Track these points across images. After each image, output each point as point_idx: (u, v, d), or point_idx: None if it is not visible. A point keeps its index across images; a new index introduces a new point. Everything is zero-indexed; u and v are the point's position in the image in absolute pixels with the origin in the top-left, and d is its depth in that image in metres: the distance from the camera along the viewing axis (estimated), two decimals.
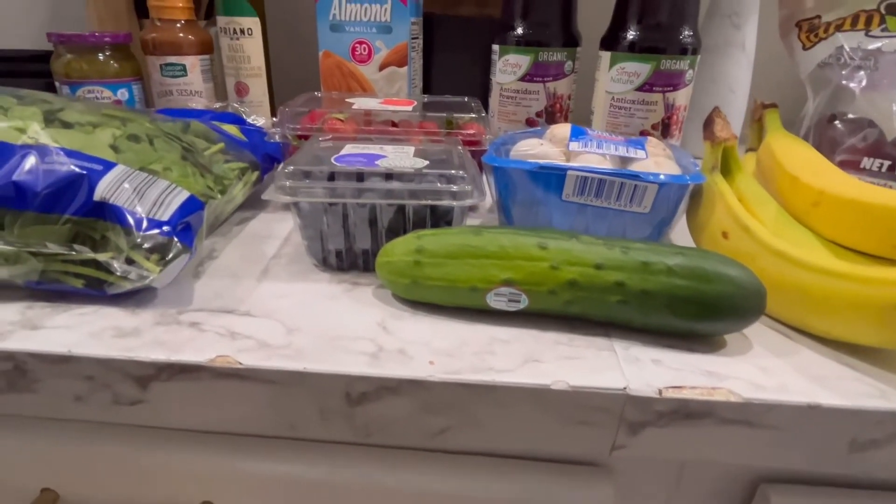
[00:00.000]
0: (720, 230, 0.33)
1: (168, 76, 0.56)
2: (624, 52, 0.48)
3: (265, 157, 0.46)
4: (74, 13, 0.80)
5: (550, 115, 0.54)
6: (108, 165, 0.30)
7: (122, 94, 0.56)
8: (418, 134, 0.43)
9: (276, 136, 0.42)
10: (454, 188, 0.32)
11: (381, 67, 0.58)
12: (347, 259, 0.35)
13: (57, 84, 0.55)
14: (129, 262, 0.29)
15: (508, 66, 0.52)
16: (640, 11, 0.48)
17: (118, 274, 0.29)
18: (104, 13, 0.70)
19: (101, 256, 0.29)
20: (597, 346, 0.28)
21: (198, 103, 0.58)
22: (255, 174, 0.43)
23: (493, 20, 0.67)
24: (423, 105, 0.50)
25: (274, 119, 0.58)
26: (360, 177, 0.33)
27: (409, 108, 0.47)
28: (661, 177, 0.33)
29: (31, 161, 0.29)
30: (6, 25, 0.84)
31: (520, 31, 0.52)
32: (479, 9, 0.69)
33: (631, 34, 0.48)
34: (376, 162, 0.35)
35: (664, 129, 0.50)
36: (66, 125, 0.33)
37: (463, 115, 0.44)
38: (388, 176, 0.33)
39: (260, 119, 0.55)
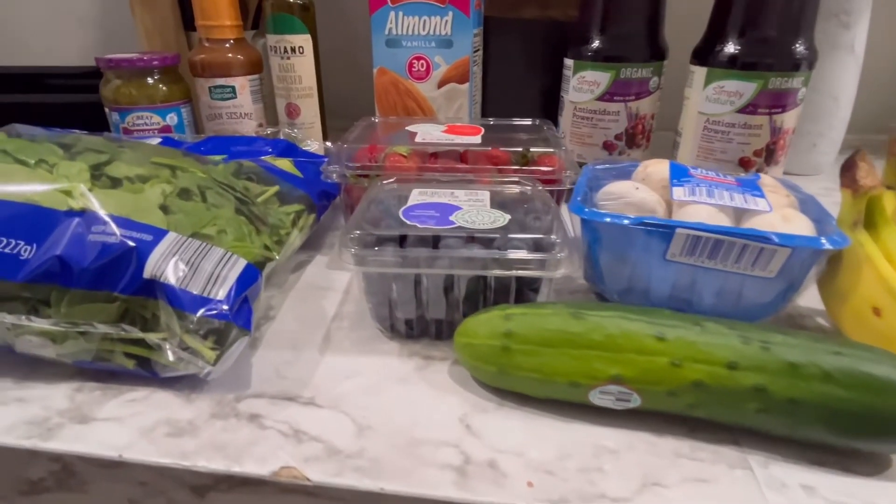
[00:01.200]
0: (869, 305, 0.28)
1: (217, 99, 0.54)
2: (723, 69, 0.42)
3: (321, 194, 0.42)
4: (123, 28, 0.78)
5: (631, 138, 0.48)
6: (159, 234, 0.27)
7: (172, 118, 0.54)
8: (489, 171, 0.39)
9: (334, 176, 0.38)
10: (545, 257, 0.27)
11: (441, 84, 0.53)
12: (418, 327, 0.31)
13: (107, 110, 0.53)
14: (183, 346, 0.26)
15: (584, 84, 0.47)
16: (743, 21, 0.41)
17: (171, 360, 0.26)
18: (151, 27, 0.68)
19: (153, 337, 0.26)
20: (728, 461, 0.23)
21: (247, 126, 0.55)
22: (312, 217, 0.40)
23: (558, 23, 0.62)
24: (489, 129, 0.45)
25: (327, 144, 0.54)
26: (436, 239, 0.29)
27: (477, 138, 0.42)
28: (797, 240, 0.28)
29: (77, 231, 0.27)
30: (57, 41, 0.83)
31: (598, 44, 0.46)
32: (542, 10, 0.63)
33: (732, 47, 0.42)
34: (451, 218, 0.30)
35: (768, 155, 0.43)
36: (115, 181, 0.31)
37: (538, 149, 0.39)
38: (469, 238, 0.29)
39: (313, 144, 0.52)
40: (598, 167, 0.39)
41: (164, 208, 0.30)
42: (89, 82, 0.70)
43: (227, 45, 0.53)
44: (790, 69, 0.41)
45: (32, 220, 0.27)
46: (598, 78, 0.46)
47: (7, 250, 0.26)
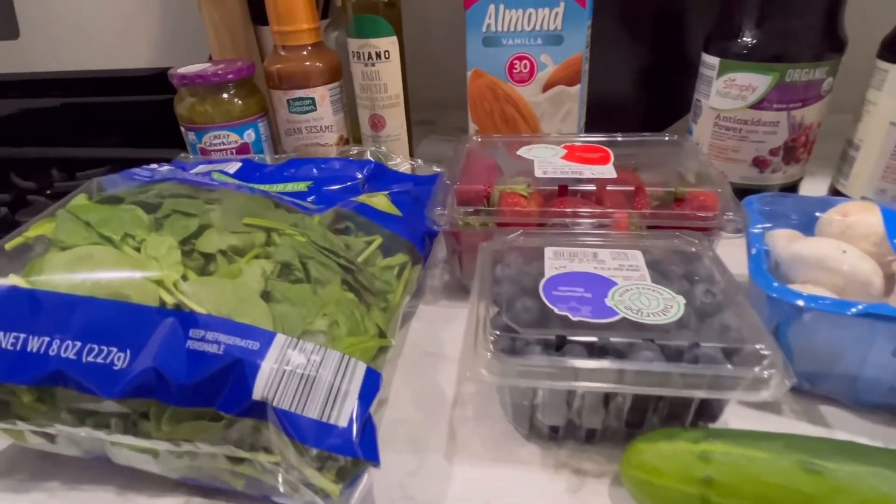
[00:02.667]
0: None
1: (296, 112, 0.49)
2: None
3: (425, 236, 0.36)
4: (190, 24, 0.74)
5: (790, 152, 0.39)
6: (266, 339, 0.23)
7: (249, 135, 0.49)
8: (626, 216, 0.32)
9: (443, 222, 0.33)
10: (747, 375, 0.21)
11: (546, 88, 0.46)
12: (564, 430, 0.26)
13: (182, 129, 0.50)
14: (301, 478, 0.22)
15: (734, 88, 0.38)
16: None
17: (286, 491, 0.22)
18: (219, 23, 0.63)
19: (264, 460, 0.22)
20: None
21: (328, 139, 0.50)
22: (417, 268, 0.35)
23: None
24: (616, 149, 0.37)
25: (417, 162, 0.48)
26: (598, 340, 0.23)
27: (608, 167, 0.35)
28: None
29: (173, 336, 0.23)
30: (121, 38, 0.80)
31: (755, 38, 0.37)
32: None
33: None
34: (608, 302, 0.24)
35: None
36: (207, 258, 0.27)
37: (686, 187, 0.32)
38: (642, 339, 0.23)
39: (404, 164, 0.46)
40: (765, 206, 0.32)
41: (266, 295, 0.25)
42: (156, 83, 0.68)
43: (305, 52, 0.47)
44: None
45: (124, 322, 0.23)
46: (755, 81, 0.37)
47: (100, 360, 0.23)
